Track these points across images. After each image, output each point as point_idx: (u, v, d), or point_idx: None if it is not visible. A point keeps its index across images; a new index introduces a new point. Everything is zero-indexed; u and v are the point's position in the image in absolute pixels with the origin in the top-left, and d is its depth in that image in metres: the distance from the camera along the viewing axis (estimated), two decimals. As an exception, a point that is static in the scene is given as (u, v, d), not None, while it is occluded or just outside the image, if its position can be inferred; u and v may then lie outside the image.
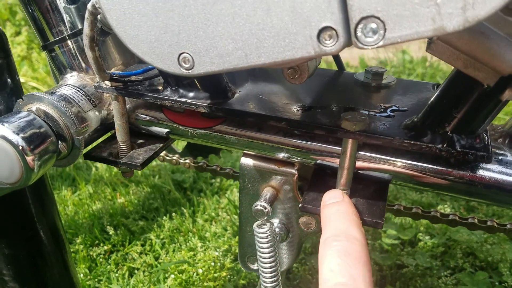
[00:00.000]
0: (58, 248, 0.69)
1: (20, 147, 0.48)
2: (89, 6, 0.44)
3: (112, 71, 0.54)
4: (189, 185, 1.43)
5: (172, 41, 0.38)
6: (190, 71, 0.39)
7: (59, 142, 0.52)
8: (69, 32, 0.56)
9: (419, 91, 0.56)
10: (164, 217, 1.25)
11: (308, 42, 0.34)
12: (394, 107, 0.51)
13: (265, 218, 0.53)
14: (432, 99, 0.45)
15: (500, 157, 0.46)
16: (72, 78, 0.57)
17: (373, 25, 0.32)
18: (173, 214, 1.28)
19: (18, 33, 3.02)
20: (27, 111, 0.52)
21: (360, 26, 0.33)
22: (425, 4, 0.30)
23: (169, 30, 0.38)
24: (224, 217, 1.27)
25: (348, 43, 0.34)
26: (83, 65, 0.58)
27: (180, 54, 0.39)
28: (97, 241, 1.19)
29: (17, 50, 2.87)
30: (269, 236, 0.50)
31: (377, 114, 0.50)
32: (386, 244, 1.12)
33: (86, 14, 0.45)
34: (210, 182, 1.43)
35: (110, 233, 1.18)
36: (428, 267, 1.04)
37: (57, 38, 0.56)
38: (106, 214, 1.28)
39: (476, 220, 0.68)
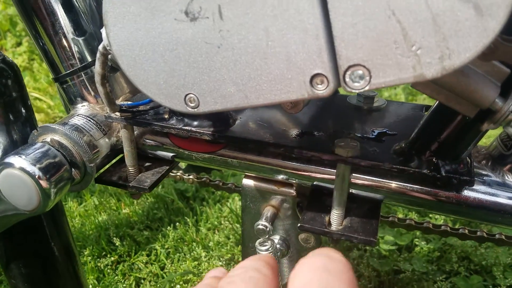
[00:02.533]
0: (70, 264, 0.73)
1: (37, 177, 0.51)
2: (100, 47, 0.48)
3: (121, 101, 0.58)
4: (192, 194, 1.47)
5: (179, 84, 0.42)
6: (195, 109, 0.43)
7: (73, 169, 0.56)
8: (80, 65, 0.60)
9: (408, 114, 0.60)
10: (168, 227, 1.29)
11: (301, 86, 0.38)
12: (384, 131, 0.55)
13: (267, 236, 0.56)
14: (419, 126, 0.49)
15: (483, 178, 0.50)
16: (83, 108, 0.61)
17: (360, 72, 0.36)
18: (177, 223, 1.31)
19: (19, 44, 3.05)
20: (42, 141, 0.56)
21: (348, 73, 0.36)
22: (406, 54, 0.34)
23: (176, 74, 0.42)
24: (227, 225, 1.31)
25: (338, 87, 0.37)
26: (93, 94, 0.62)
27: (186, 95, 0.42)
28: (104, 252, 1.23)
29: (18, 60, 2.90)
30: (270, 253, 0.54)
31: (369, 138, 0.53)
32: (383, 250, 1.16)
33: (98, 55, 0.49)
34: (212, 191, 1.46)
35: (117, 244, 1.22)
36: (424, 272, 1.08)
37: (68, 71, 0.60)
38: (112, 225, 1.32)
39: (466, 231, 0.72)
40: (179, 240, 1.27)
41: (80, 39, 0.61)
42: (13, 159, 0.52)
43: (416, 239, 1.19)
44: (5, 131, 0.58)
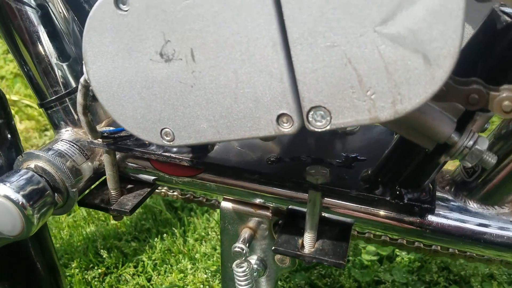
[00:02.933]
0: (55, 281, 0.74)
1: (21, 204, 0.53)
2: (82, 80, 0.50)
3: (103, 127, 0.60)
4: (180, 204, 1.49)
5: (155, 119, 0.44)
6: (171, 143, 0.45)
7: (56, 194, 0.58)
8: (64, 92, 0.62)
9: (379, 138, 0.63)
10: (156, 238, 1.31)
11: (269, 124, 0.41)
12: (355, 156, 0.58)
13: (243, 258, 0.59)
14: (383, 155, 0.52)
15: (446, 204, 0.53)
16: (67, 132, 0.63)
17: (321, 113, 0.39)
18: (165, 234, 1.33)
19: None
20: (26, 168, 0.57)
21: (311, 113, 0.39)
22: (362, 98, 0.37)
23: (152, 110, 0.44)
24: (214, 236, 1.33)
25: (302, 125, 0.40)
26: (77, 119, 0.64)
27: (162, 129, 0.45)
28: (91, 265, 1.24)
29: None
30: (247, 275, 0.56)
31: (340, 164, 0.56)
32: (365, 260, 1.19)
33: (80, 87, 0.51)
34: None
35: (104, 256, 1.24)
36: (405, 283, 1.11)
37: (53, 98, 0.62)
38: (100, 236, 1.33)
39: (439, 247, 0.75)
40: (166, 252, 1.28)
41: (64, 65, 0.63)
42: (-3, 186, 0.54)
43: (397, 249, 1.22)
44: (-10, 157, 0.60)
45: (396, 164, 0.50)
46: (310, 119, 0.39)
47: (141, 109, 0.44)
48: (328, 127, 0.39)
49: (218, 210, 1.44)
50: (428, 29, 0.33)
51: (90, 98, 0.53)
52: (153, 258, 1.26)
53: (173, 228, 1.36)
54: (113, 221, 1.41)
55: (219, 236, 1.32)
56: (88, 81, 0.48)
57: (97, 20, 0.41)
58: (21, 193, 0.54)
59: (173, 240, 1.32)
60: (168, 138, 0.45)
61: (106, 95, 0.45)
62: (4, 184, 0.54)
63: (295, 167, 0.56)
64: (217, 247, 1.29)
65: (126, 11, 0.40)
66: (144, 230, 1.38)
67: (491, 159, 0.42)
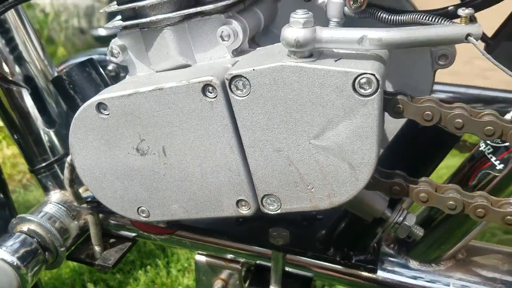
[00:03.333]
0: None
1: (16, 265, 0.60)
2: (68, 159, 0.57)
3: (86, 194, 0.67)
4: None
5: (132, 199, 0.51)
6: (146, 219, 0.52)
7: (46, 253, 0.64)
8: (52, 159, 0.68)
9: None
10: (140, 271, 1.36)
11: (230, 207, 0.48)
12: (314, 215, 0.65)
13: (215, 308, 0.66)
14: (334, 220, 0.59)
15: (390, 260, 0.60)
16: (55, 195, 0.70)
17: (273, 199, 0.46)
18: (148, 266, 1.39)
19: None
20: (19, 231, 0.64)
21: (264, 199, 0.47)
22: (304, 191, 0.45)
23: (130, 192, 0.51)
24: (197, 267, 1.39)
25: (258, 208, 0.47)
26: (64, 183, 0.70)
27: (138, 208, 0.52)
28: (78, 298, 1.29)
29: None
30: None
31: (300, 225, 0.63)
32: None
33: (66, 164, 0.58)
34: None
35: (91, 289, 1.29)
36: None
37: (42, 165, 0.68)
38: (86, 270, 1.38)
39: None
40: (150, 284, 1.34)
41: (51, 131, 0.69)
42: (-7, 251, 0.60)
43: None
44: (-15, 219, 0.66)
45: (344, 230, 0.57)
46: (264, 204, 0.47)
47: (120, 191, 0.51)
48: (279, 211, 0.47)
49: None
50: (350, 145, 0.40)
51: (75, 173, 0.60)
52: (137, 290, 1.32)
53: (157, 259, 1.41)
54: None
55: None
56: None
57: (81, 121, 0.48)
58: (16, 255, 0.60)
59: (157, 272, 1.37)
60: (144, 215, 0.52)
61: (90, 179, 0.52)
62: (1, 248, 0.60)
63: (260, 227, 0.63)
64: (200, 278, 1.35)
65: (107, 115, 0.47)
66: (128, 262, 1.43)
67: (419, 232, 0.50)
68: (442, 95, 0.63)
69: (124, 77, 0.54)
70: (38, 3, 3.09)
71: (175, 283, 1.33)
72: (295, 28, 0.38)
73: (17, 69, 0.66)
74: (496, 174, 0.49)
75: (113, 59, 0.50)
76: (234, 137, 0.44)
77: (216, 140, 0.45)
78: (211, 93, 0.43)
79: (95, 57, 0.78)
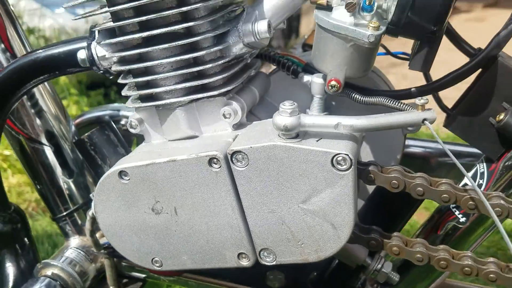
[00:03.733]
0: None
1: (42, 309, 0.67)
2: (90, 214, 0.65)
3: (104, 241, 0.75)
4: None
5: (147, 251, 0.59)
6: (160, 268, 0.60)
7: (67, 296, 0.72)
8: (72, 209, 0.77)
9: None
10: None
11: (232, 259, 0.56)
12: (307, 257, 0.73)
13: None
14: (323, 266, 0.67)
15: (375, 298, 0.68)
16: (74, 240, 0.77)
17: (269, 252, 0.54)
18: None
19: None
20: (44, 275, 0.71)
21: (262, 252, 0.55)
22: (295, 246, 0.53)
23: (145, 245, 0.59)
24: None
25: (256, 261, 0.55)
26: (83, 229, 0.78)
27: (152, 258, 0.60)
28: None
29: None
30: None
31: (294, 268, 0.71)
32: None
33: (88, 217, 0.66)
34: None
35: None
36: None
37: (63, 214, 0.76)
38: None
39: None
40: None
41: (70, 181, 0.78)
42: (22, 295, 0.68)
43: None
44: (16, 264, 0.73)
45: (333, 273, 0.65)
46: (261, 256, 0.55)
47: (137, 244, 0.59)
48: (274, 263, 0.55)
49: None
50: (332, 209, 0.49)
51: (95, 225, 0.68)
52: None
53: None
54: None
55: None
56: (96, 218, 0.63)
57: (105, 185, 0.56)
58: (41, 299, 0.68)
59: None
60: (157, 265, 0.60)
61: (110, 234, 0.60)
62: (27, 292, 0.68)
63: (258, 271, 0.70)
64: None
65: (128, 181, 0.55)
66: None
67: (395, 277, 0.58)
68: (416, 150, 0.71)
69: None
70: (38, 28, 3.21)
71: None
72: (284, 116, 0.47)
73: (41, 129, 0.75)
74: (460, 226, 0.57)
75: (132, 130, 0.59)
76: (235, 200, 0.53)
77: (220, 202, 0.53)
78: (216, 164, 0.52)
79: (108, 112, 0.88)
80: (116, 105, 0.89)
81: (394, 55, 0.61)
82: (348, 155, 0.46)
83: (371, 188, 0.65)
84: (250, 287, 0.70)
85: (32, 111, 0.74)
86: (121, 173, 0.55)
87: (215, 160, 0.51)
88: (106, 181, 0.56)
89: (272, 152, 0.49)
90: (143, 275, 0.78)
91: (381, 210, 0.58)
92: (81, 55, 0.56)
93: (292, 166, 0.49)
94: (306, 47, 0.75)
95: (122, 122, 0.85)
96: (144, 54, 0.54)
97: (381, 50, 0.60)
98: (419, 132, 0.74)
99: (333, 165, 0.47)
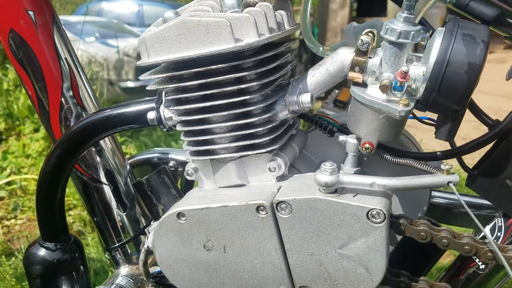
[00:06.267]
0: None
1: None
2: (145, 246, 0.74)
3: (153, 270, 0.83)
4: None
5: (197, 283, 0.67)
6: (209, 303, 0.67)
7: (119, 318, 0.80)
8: (124, 240, 0.85)
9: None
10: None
11: (274, 297, 0.63)
12: None
13: None
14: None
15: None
16: (124, 268, 0.86)
17: (307, 291, 0.61)
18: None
19: (36, 130, 3.36)
20: (99, 301, 0.80)
21: (300, 290, 0.62)
22: (331, 285, 0.59)
23: (195, 277, 0.66)
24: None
25: (295, 296, 0.62)
26: (132, 258, 0.87)
27: (201, 291, 0.67)
28: None
29: (36, 146, 3.19)
30: None
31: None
32: None
33: (143, 250, 0.74)
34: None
35: None
36: None
37: (116, 245, 0.85)
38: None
39: None
40: None
41: (124, 215, 0.87)
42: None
43: None
44: (72, 290, 0.82)
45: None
46: (301, 295, 0.62)
47: (188, 276, 0.67)
48: (311, 300, 0.62)
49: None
50: (366, 255, 0.56)
51: (149, 256, 0.76)
52: None
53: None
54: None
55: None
56: (151, 249, 0.72)
57: (164, 224, 0.65)
58: (98, 322, 0.76)
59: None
60: (207, 301, 0.67)
61: (165, 265, 0.68)
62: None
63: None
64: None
65: (184, 221, 0.64)
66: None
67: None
68: (440, 201, 0.78)
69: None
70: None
71: None
72: (325, 174, 0.55)
73: (101, 170, 0.85)
74: (480, 272, 0.63)
75: (188, 177, 0.68)
76: (278, 243, 0.60)
77: (265, 244, 0.61)
78: (262, 211, 0.59)
79: (158, 155, 0.97)
80: (165, 149, 0.99)
81: (421, 120, 0.68)
82: (382, 210, 0.53)
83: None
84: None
85: (96, 156, 0.84)
86: (179, 214, 0.64)
87: (262, 207, 0.59)
88: (165, 221, 0.65)
89: (313, 204, 0.57)
90: (184, 303, 0.85)
91: (409, 256, 0.65)
92: (151, 115, 0.66)
93: (331, 216, 0.56)
94: (337, 102, 0.83)
95: (171, 164, 0.95)
96: (204, 119, 0.63)
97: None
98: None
99: (368, 218, 0.54)
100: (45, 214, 0.76)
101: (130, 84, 4.71)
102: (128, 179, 0.88)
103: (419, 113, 0.66)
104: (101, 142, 0.85)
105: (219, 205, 0.61)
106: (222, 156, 0.63)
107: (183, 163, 0.95)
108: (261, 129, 0.61)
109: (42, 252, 0.79)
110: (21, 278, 1.79)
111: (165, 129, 0.66)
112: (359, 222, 0.55)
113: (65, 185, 0.75)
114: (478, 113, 0.59)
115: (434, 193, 0.74)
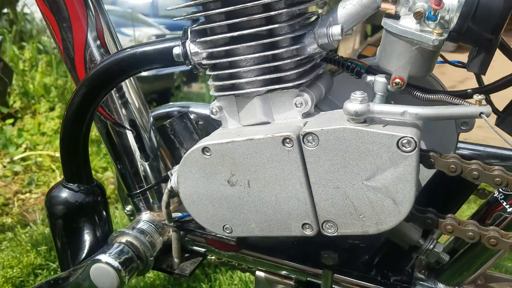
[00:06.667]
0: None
1: (117, 269, 0.76)
2: (168, 187, 0.74)
3: (175, 215, 0.83)
4: (207, 261, 1.68)
5: (220, 219, 0.67)
6: (229, 235, 0.68)
7: (139, 261, 0.80)
8: (146, 187, 0.86)
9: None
10: (187, 292, 1.50)
11: (296, 229, 0.63)
12: (357, 243, 0.79)
13: (272, 316, 0.79)
14: (376, 247, 0.73)
15: (422, 283, 0.73)
16: (146, 215, 0.86)
17: (331, 225, 0.61)
18: (195, 288, 1.52)
19: (52, 109, 3.39)
20: (119, 242, 0.80)
21: (324, 224, 0.61)
22: (357, 219, 0.59)
23: (218, 213, 0.67)
24: (237, 292, 1.52)
25: (319, 231, 0.62)
26: (153, 206, 0.87)
27: (224, 225, 0.67)
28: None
29: (51, 124, 3.22)
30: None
31: (346, 249, 0.77)
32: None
33: (166, 190, 0.75)
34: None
35: (144, 305, 1.43)
36: None
37: (138, 191, 0.86)
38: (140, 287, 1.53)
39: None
40: (196, 304, 1.47)
41: (146, 164, 0.87)
42: (101, 256, 0.77)
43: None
44: (92, 232, 0.83)
45: (385, 255, 0.71)
46: (324, 228, 0.62)
47: (211, 212, 0.67)
48: (336, 234, 0.61)
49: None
50: (394, 186, 0.55)
51: (171, 197, 0.76)
52: (185, 309, 1.45)
53: (201, 283, 1.55)
54: (149, 274, 1.61)
55: (242, 292, 1.51)
56: (175, 189, 0.72)
57: (189, 159, 0.65)
58: (118, 260, 0.76)
59: (201, 294, 1.51)
60: (228, 232, 0.68)
61: (189, 202, 0.68)
62: (106, 254, 0.77)
63: (313, 249, 0.77)
64: (240, 302, 1.47)
65: (209, 156, 0.64)
66: (176, 284, 1.57)
67: (445, 257, 0.64)
68: (465, 152, 0.77)
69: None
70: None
71: (217, 305, 1.45)
72: (355, 103, 0.55)
73: (125, 115, 0.85)
74: (507, 215, 0.62)
75: (212, 116, 0.68)
76: (304, 176, 0.60)
77: (290, 177, 0.61)
78: (288, 144, 0.59)
79: (176, 108, 0.97)
80: (185, 102, 0.99)
81: (451, 63, 0.67)
82: (413, 137, 0.52)
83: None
84: (305, 264, 0.77)
85: (119, 100, 0.84)
86: (204, 149, 0.64)
87: (288, 140, 0.59)
88: (190, 156, 0.65)
89: (341, 134, 0.56)
90: (204, 250, 0.86)
91: (436, 195, 0.64)
92: (176, 50, 0.65)
93: (359, 147, 0.56)
94: (361, 57, 0.82)
95: (192, 116, 0.95)
96: (230, 51, 0.63)
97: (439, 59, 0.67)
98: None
99: (398, 147, 0.54)
100: (69, 153, 0.77)
101: (144, 72, 4.75)
102: (152, 130, 0.88)
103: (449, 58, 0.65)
104: (125, 88, 0.85)
105: (245, 139, 0.61)
106: (248, 90, 0.63)
107: (204, 117, 0.95)
108: (288, 61, 0.61)
109: (64, 193, 0.80)
110: (35, 245, 1.82)
111: (191, 66, 0.66)
112: (389, 151, 0.54)
113: (89, 126, 0.76)
114: (509, 51, 0.58)
115: (459, 145, 0.73)
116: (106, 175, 2.62)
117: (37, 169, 2.79)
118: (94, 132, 3.06)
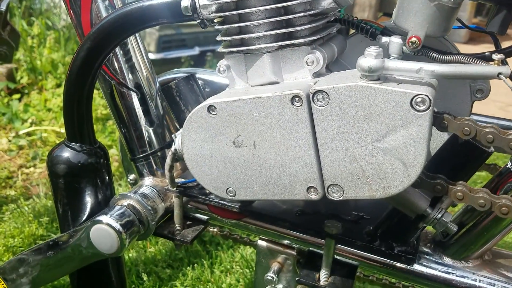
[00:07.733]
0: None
1: (118, 230, 0.75)
2: (172, 149, 0.73)
3: (178, 180, 0.82)
4: (209, 238, 1.68)
5: (223, 181, 0.66)
6: (232, 198, 0.66)
7: (140, 225, 0.79)
8: (149, 152, 0.84)
9: (379, 201, 0.82)
10: (188, 267, 1.50)
11: (301, 192, 0.61)
12: (361, 215, 0.77)
13: (273, 285, 0.78)
14: (381, 217, 0.71)
15: (426, 257, 0.71)
16: (148, 180, 0.85)
17: (337, 188, 0.59)
18: (195, 264, 1.52)
19: (58, 85, 3.39)
20: (120, 205, 0.79)
21: (330, 188, 0.60)
22: (364, 183, 0.58)
23: (222, 175, 0.65)
24: (238, 270, 1.51)
25: (324, 195, 0.60)
26: (156, 172, 0.86)
27: (227, 188, 0.66)
28: (133, 286, 1.43)
29: (57, 100, 3.22)
30: (274, 298, 0.75)
31: (350, 220, 0.75)
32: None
33: (170, 153, 0.73)
34: (226, 237, 1.68)
35: (144, 279, 1.43)
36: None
37: (141, 156, 0.84)
38: (141, 262, 1.53)
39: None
40: (196, 280, 1.47)
41: (151, 129, 0.86)
42: (102, 217, 0.75)
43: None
44: (94, 194, 0.82)
45: (390, 224, 0.69)
46: (329, 191, 0.60)
47: (215, 174, 0.66)
48: (341, 198, 0.60)
49: (241, 246, 1.63)
50: (405, 148, 0.53)
51: (175, 160, 0.75)
52: (185, 284, 1.45)
53: (202, 260, 1.55)
54: (150, 249, 1.61)
55: (242, 270, 1.50)
56: (179, 152, 0.71)
57: (194, 118, 0.63)
58: (119, 222, 0.75)
59: (202, 270, 1.50)
60: (231, 194, 0.66)
61: (192, 163, 0.67)
62: (107, 215, 0.76)
63: (316, 219, 0.76)
64: (241, 280, 1.47)
65: (215, 115, 0.62)
66: (177, 259, 1.57)
67: (453, 227, 0.62)
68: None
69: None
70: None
71: (218, 282, 1.45)
72: (369, 58, 0.53)
73: (130, 76, 0.83)
74: (520, 186, 0.60)
75: (219, 74, 0.66)
76: (311, 136, 0.58)
77: (297, 138, 0.59)
78: (297, 102, 0.57)
79: (182, 75, 0.95)
80: (191, 68, 0.97)
81: (470, 28, 0.64)
82: (427, 95, 0.50)
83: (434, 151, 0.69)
84: (308, 234, 0.75)
85: (124, 60, 0.83)
86: (210, 108, 0.62)
87: (297, 98, 0.57)
88: (195, 115, 0.63)
89: (353, 92, 0.54)
90: (206, 217, 0.85)
91: (447, 164, 0.62)
92: (185, 3, 0.63)
93: (371, 106, 0.54)
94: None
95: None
96: (240, 3, 0.61)
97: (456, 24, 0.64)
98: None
99: (412, 106, 0.51)
100: (72, 111, 0.76)
101: (152, 56, 4.74)
102: (158, 96, 0.86)
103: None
104: (131, 50, 0.83)
105: (252, 97, 0.59)
106: (258, 46, 0.61)
107: (210, 83, 0.93)
108: (301, 15, 0.59)
109: (66, 152, 0.79)
110: (38, 216, 1.83)
111: (199, 21, 0.64)
112: (402, 110, 0.52)
113: (93, 83, 0.74)
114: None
115: (472, 117, 0.71)
116: (111, 152, 2.61)
117: (42, 144, 2.79)
118: (100, 111, 3.06)
